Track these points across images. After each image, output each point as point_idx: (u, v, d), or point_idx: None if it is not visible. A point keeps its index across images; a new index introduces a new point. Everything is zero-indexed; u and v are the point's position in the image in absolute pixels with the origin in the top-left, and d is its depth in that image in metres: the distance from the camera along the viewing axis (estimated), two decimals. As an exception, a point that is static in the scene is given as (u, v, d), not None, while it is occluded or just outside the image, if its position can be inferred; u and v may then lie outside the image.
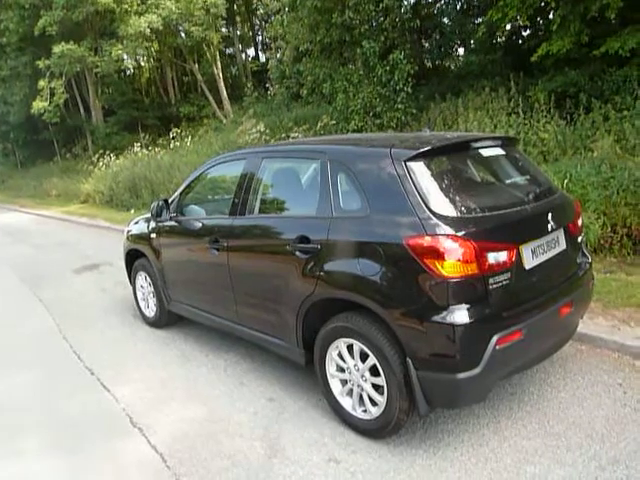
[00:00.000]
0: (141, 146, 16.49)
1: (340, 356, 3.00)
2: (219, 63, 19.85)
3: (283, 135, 11.76)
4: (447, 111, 9.13)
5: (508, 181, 3.23)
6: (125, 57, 21.03)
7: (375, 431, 2.89)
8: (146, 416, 3.38)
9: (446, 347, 2.49)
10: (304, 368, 3.39)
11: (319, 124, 10.97)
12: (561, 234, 3.04)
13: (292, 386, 3.61)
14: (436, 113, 9.20)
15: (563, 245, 3.04)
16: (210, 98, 19.83)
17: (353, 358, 2.92)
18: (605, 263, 5.11)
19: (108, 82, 23.98)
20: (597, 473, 2.51)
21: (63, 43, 17.51)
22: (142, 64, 27.11)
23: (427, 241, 2.49)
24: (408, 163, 2.70)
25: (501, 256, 2.57)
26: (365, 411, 2.92)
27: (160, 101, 25.45)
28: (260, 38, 28.87)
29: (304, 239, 3.05)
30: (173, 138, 16.34)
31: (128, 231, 5.26)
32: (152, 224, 4.67)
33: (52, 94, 18.76)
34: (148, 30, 16.10)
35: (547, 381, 3.37)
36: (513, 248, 2.65)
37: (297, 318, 3.15)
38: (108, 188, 15.11)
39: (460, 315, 2.46)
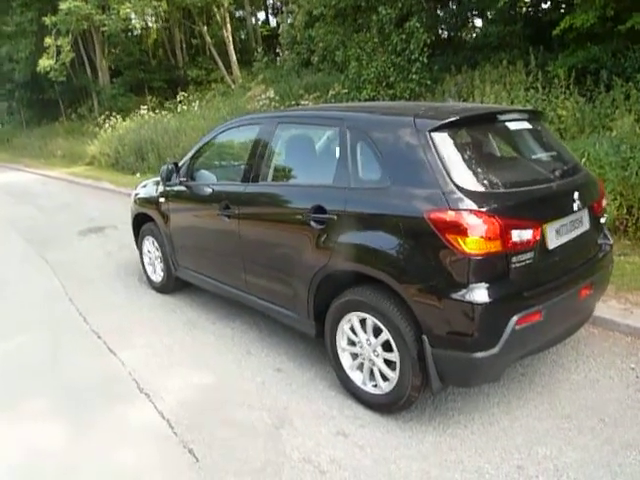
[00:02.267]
0: (148, 109, 16.20)
1: (352, 330, 2.94)
2: (229, 26, 19.32)
3: (293, 102, 11.52)
4: (463, 83, 8.90)
5: (533, 157, 3.13)
6: (133, 16, 20.51)
7: (385, 406, 2.85)
8: (153, 382, 3.36)
9: (464, 325, 2.43)
10: (312, 339, 3.35)
11: (330, 92, 10.72)
12: (585, 214, 2.94)
13: (300, 357, 3.58)
14: (452, 86, 8.96)
15: (586, 225, 2.95)
16: (219, 62, 19.40)
17: (365, 332, 2.86)
18: (619, 245, 5.00)
19: (115, 42, 23.46)
20: (610, 457, 2.48)
21: (70, 0, 17.07)
22: (150, 24, 26.44)
23: (450, 216, 2.40)
24: (432, 134, 2.59)
25: (525, 234, 2.49)
26: (375, 386, 2.88)
27: (168, 63, 24.91)
28: (271, 1, 28.12)
29: (319, 209, 2.96)
30: (180, 102, 16.07)
31: (136, 194, 5.17)
32: (161, 188, 4.58)
33: (59, 52, 18.39)
34: (157, -12, 15.68)
35: (559, 362, 3.32)
36: (537, 226, 2.56)
37: (309, 290, 3.09)
38: (114, 150, 14.96)
39: (480, 293, 2.39)
